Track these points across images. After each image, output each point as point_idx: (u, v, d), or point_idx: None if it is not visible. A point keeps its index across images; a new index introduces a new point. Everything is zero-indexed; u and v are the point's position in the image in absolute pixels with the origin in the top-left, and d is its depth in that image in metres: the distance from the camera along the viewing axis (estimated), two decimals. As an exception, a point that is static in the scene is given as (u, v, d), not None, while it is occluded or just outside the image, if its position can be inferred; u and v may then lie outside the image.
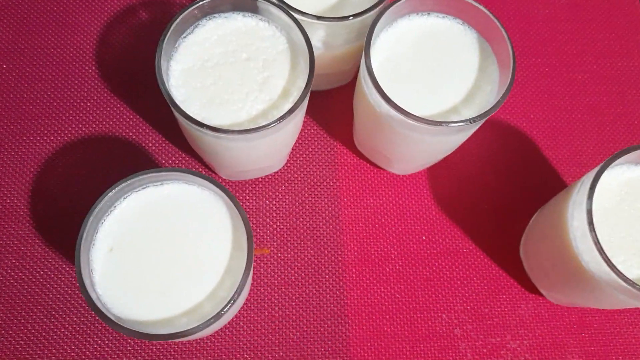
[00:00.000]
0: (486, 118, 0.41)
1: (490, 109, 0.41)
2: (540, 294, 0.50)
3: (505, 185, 0.54)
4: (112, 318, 0.35)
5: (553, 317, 0.50)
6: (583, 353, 0.50)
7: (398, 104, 0.40)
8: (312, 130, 0.55)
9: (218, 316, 0.35)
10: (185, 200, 0.40)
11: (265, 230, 0.52)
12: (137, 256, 0.38)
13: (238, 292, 0.36)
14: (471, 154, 0.55)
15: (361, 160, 0.55)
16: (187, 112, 0.40)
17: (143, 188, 0.40)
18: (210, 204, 0.40)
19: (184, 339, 0.37)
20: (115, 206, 0.39)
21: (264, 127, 0.39)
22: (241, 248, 0.39)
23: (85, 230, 0.37)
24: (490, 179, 0.55)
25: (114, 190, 0.38)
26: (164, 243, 0.39)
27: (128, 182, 0.38)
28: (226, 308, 0.36)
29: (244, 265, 0.37)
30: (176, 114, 0.41)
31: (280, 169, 0.54)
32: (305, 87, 0.40)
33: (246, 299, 0.49)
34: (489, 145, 0.56)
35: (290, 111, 0.40)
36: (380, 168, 0.54)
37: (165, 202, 0.40)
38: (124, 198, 0.39)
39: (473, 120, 0.40)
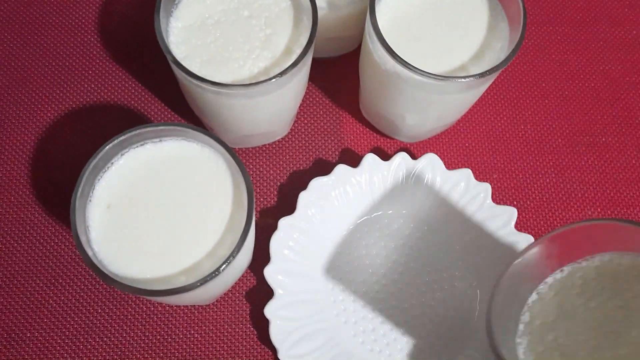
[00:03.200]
0: (495, 74, 0.40)
1: (500, 64, 0.39)
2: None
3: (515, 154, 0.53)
4: (109, 275, 0.34)
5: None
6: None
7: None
8: (317, 99, 0.54)
9: (216, 273, 0.34)
10: (184, 157, 0.39)
11: (268, 199, 0.51)
12: (136, 214, 0.37)
13: (238, 248, 0.35)
14: (478, 122, 0.54)
15: (367, 129, 0.53)
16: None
17: (141, 145, 0.39)
18: (211, 161, 0.39)
19: (183, 297, 0.36)
20: (112, 162, 0.38)
21: (265, 81, 0.38)
22: (242, 206, 0.38)
23: (81, 185, 0.36)
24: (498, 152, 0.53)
25: (110, 144, 0.37)
26: (162, 201, 0.38)
27: (125, 136, 0.37)
28: (224, 265, 0.35)
29: (244, 222, 0.36)
30: (176, 71, 0.40)
31: (284, 137, 0.52)
32: (307, 42, 0.39)
33: (248, 268, 0.48)
34: (496, 113, 0.54)
35: (293, 65, 0.38)
36: (387, 136, 0.53)
37: (164, 159, 0.39)
38: (122, 154, 0.38)
39: (481, 75, 0.39)
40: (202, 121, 0.50)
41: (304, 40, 0.41)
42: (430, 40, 0.42)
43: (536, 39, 0.57)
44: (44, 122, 0.52)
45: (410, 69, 0.39)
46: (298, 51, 0.41)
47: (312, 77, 0.51)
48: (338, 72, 0.55)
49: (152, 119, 0.52)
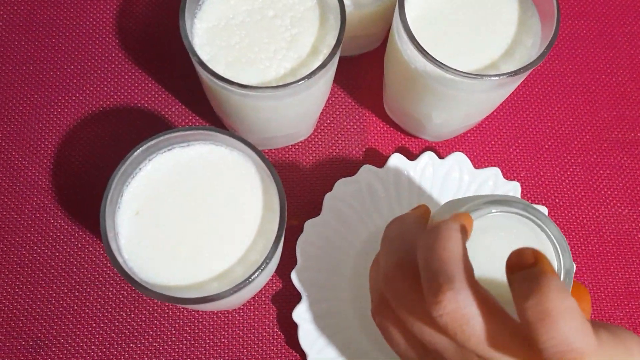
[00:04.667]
0: (527, 71, 0.39)
1: (532, 62, 0.38)
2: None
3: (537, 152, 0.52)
4: (141, 282, 0.34)
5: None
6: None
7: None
8: (340, 98, 0.53)
9: (249, 280, 0.34)
10: (213, 161, 0.38)
11: (292, 200, 0.50)
12: (164, 219, 0.37)
13: (271, 255, 0.34)
14: (507, 119, 0.53)
15: (392, 128, 0.53)
16: (213, 71, 0.38)
17: (169, 149, 0.38)
18: (240, 164, 0.38)
19: (214, 304, 0.35)
20: (140, 168, 0.37)
21: (294, 82, 0.37)
22: (273, 210, 0.37)
23: (110, 192, 0.35)
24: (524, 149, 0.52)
25: (139, 150, 0.36)
26: (192, 206, 0.37)
27: (153, 141, 0.36)
28: (259, 271, 0.34)
29: (277, 227, 0.35)
30: (202, 73, 0.39)
31: (308, 138, 0.52)
32: (336, 42, 0.38)
33: (275, 270, 0.48)
34: (523, 110, 0.53)
35: (322, 66, 0.38)
36: (412, 135, 0.52)
37: (193, 163, 0.38)
38: (149, 160, 0.38)
39: (515, 73, 0.38)
40: (224, 123, 0.49)
41: (330, 40, 0.40)
42: (460, 37, 0.41)
43: (564, 34, 0.56)
44: (65, 127, 0.51)
45: (442, 68, 0.38)
46: (325, 51, 0.40)
47: (335, 77, 0.50)
48: (360, 71, 0.54)
49: (174, 121, 0.52)
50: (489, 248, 0.31)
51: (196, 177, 0.38)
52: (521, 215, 0.32)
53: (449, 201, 0.35)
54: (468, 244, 0.31)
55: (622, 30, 0.56)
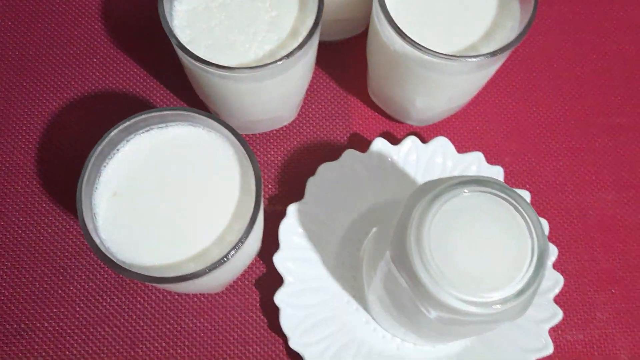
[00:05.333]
0: (506, 53, 0.39)
1: (510, 43, 0.38)
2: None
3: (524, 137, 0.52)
4: (117, 263, 0.34)
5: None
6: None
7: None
8: (324, 83, 0.53)
9: (225, 259, 0.34)
10: (190, 143, 0.38)
11: (276, 185, 0.50)
12: (142, 201, 0.37)
13: (246, 234, 0.34)
14: (488, 105, 0.53)
15: (376, 114, 0.53)
16: (193, 54, 0.38)
17: (147, 130, 0.38)
18: (217, 145, 0.38)
19: (193, 284, 0.35)
20: (118, 149, 0.37)
21: (272, 63, 0.37)
22: (250, 192, 0.37)
23: (87, 172, 0.35)
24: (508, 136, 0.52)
25: (115, 130, 0.36)
26: (169, 187, 0.37)
27: (130, 121, 0.36)
28: (233, 251, 0.34)
29: (252, 208, 0.35)
30: (181, 56, 0.39)
31: (291, 123, 0.52)
32: (314, 23, 0.38)
33: (257, 256, 0.48)
34: (507, 95, 0.53)
35: (300, 46, 0.38)
36: (397, 121, 0.52)
37: (170, 144, 0.38)
38: (127, 141, 0.38)
39: (492, 54, 0.38)
40: (208, 107, 0.49)
41: (310, 22, 0.40)
42: (440, 20, 0.41)
43: (548, 19, 0.56)
44: (48, 110, 0.51)
45: (420, 49, 0.38)
46: (304, 33, 0.40)
47: (319, 62, 0.50)
48: (345, 56, 0.54)
49: (158, 106, 0.52)
50: (465, 229, 0.32)
51: (174, 158, 0.38)
52: (496, 195, 0.32)
53: (426, 182, 0.35)
54: (444, 225, 0.31)
55: (606, 16, 0.56)
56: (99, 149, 0.36)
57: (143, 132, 0.38)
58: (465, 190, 0.32)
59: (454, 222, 0.31)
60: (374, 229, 0.47)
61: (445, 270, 0.30)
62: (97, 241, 0.35)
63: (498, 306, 0.30)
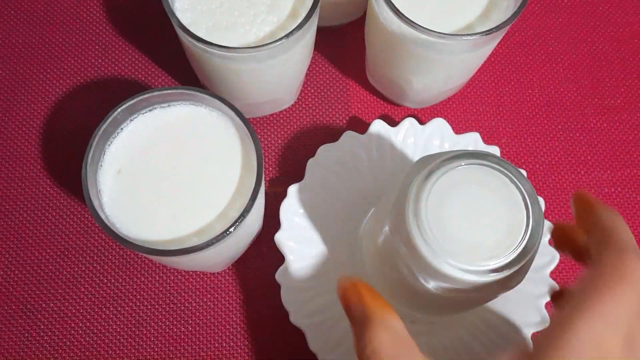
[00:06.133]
0: (502, 32, 0.39)
1: (505, 21, 0.39)
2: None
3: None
4: (121, 236, 0.35)
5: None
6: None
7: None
8: (324, 67, 0.54)
9: (227, 232, 0.35)
10: (193, 122, 0.39)
11: (277, 167, 0.51)
12: (146, 178, 0.38)
13: (248, 208, 0.35)
14: (487, 87, 0.54)
15: (374, 97, 0.53)
16: (193, 36, 0.39)
17: (150, 110, 0.39)
18: (220, 124, 0.39)
19: (196, 259, 0.36)
20: (122, 128, 0.38)
21: (272, 43, 0.38)
22: (251, 170, 0.38)
23: (91, 150, 0.36)
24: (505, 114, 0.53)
25: (119, 109, 0.37)
26: (172, 165, 0.38)
27: (133, 100, 0.37)
28: (235, 224, 0.35)
29: (254, 183, 0.36)
30: (183, 37, 0.40)
31: (291, 106, 0.53)
32: (313, 3, 0.39)
33: (259, 238, 0.49)
34: (503, 76, 0.54)
35: (299, 26, 0.38)
36: (395, 103, 0.53)
37: (173, 123, 0.39)
38: (131, 120, 0.38)
39: (487, 32, 0.39)
40: (209, 90, 0.50)
41: (309, 3, 0.41)
42: (436, 0, 0.42)
43: (544, 0, 0.57)
44: (52, 95, 0.52)
45: (416, 28, 0.39)
46: (304, 14, 0.41)
47: (318, 46, 0.51)
48: (344, 40, 0.55)
49: (160, 90, 0.53)
50: (461, 200, 0.32)
51: (177, 137, 0.39)
52: (491, 167, 0.33)
53: (422, 157, 0.35)
54: (441, 196, 0.32)
55: (602, -2, 0.57)
56: (103, 127, 0.36)
57: (146, 112, 0.39)
58: (462, 163, 0.32)
59: (450, 194, 0.32)
60: (373, 209, 0.48)
61: (443, 240, 0.31)
62: (103, 217, 0.35)
63: (494, 274, 0.31)
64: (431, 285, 0.33)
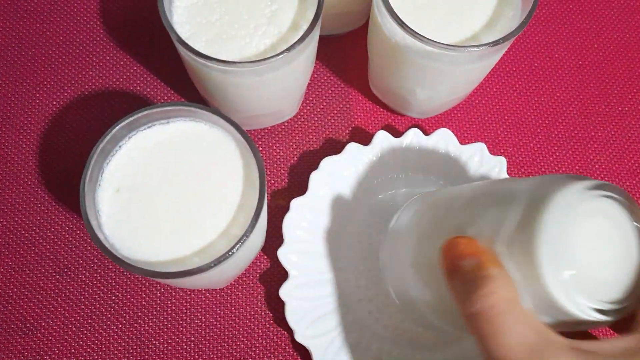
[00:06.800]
0: (508, 42, 0.39)
1: (512, 32, 0.38)
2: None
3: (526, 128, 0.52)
4: (121, 258, 0.34)
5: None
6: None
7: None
8: (325, 77, 0.53)
9: (230, 253, 0.34)
10: (193, 138, 0.38)
11: (279, 180, 0.50)
12: (145, 196, 0.37)
13: (251, 228, 0.34)
14: (492, 94, 0.53)
15: (377, 107, 0.52)
16: (193, 49, 0.38)
17: (149, 127, 0.38)
18: (220, 140, 0.38)
19: (199, 279, 0.35)
20: (120, 146, 0.37)
21: (273, 57, 0.37)
22: (253, 185, 0.37)
23: (90, 169, 0.35)
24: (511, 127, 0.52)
25: (118, 127, 0.36)
26: (172, 182, 0.37)
27: (133, 117, 0.36)
28: (239, 244, 0.34)
29: (256, 200, 0.35)
30: (181, 51, 0.39)
31: (293, 117, 0.52)
32: (315, 16, 0.38)
33: (261, 251, 0.48)
34: (508, 85, 0.53)
35: (301, 40, 0.37)
36: (398, 113, 0.52)
37: (173, 140, 0.38)
38: (129, 137, 0.38)
39: (494, 43, 0.38)
40: (209, 104, 0.49)
41: (310, 15, 0.40)
42: (441, 10, 0.41)
43: (549, 8, 0.56)
44: (50, 109, 0.51)
45: (421, 40, 0.38)
46: (305, 26, 0.40)
47: (320, 56, 0.50)
48: (345, 50, 0.54)
49: (159, 102, 0.52)
50: (599, 234, 0.29)
51: (177, 153, 0.38)
52: (620, 203, 0.30)
53: (544, 178, 0.31)
54: (575, 229, 0.28)
55: (606, 4, 0.56)
56: (101, 145, 0.36)
57: (145, 129, 0.38)
58: (600, 194, 0.29)
59: (588, 227, 0.29)
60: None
61: (577, 276, 0.27)
62: (102, 237, 0.34)
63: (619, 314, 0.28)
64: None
